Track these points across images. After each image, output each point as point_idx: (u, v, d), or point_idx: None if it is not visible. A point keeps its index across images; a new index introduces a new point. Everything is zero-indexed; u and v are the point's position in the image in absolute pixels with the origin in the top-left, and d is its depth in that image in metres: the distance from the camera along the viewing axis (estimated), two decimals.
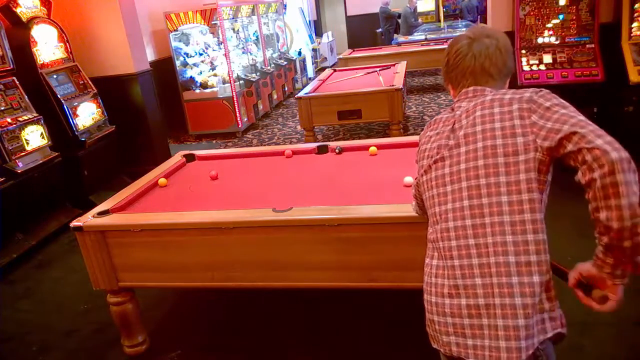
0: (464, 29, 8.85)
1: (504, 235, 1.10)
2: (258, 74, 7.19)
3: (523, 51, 3.78)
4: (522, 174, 1.11)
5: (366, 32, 12.29)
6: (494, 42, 1.23)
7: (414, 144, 2.69)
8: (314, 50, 10.54)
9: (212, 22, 6.44)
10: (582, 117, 1.04)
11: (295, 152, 2.86)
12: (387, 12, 10.57)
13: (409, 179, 2.15)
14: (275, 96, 7.88)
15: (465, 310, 1.13)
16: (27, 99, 3.90)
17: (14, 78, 3.86)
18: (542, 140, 1.07)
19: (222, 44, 6.47)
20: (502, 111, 1.14)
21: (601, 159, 0.95)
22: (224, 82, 6.44)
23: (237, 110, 6.33)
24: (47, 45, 4.21)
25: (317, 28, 12.80)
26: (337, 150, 2.77)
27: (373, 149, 2.70)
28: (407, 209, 1.80)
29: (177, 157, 3.01)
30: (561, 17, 3.71)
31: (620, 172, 0.93)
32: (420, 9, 11.63)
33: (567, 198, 3.51)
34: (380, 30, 10.99)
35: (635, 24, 3.48)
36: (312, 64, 10.26)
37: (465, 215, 1.14)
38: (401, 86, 4.61)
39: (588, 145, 0.97)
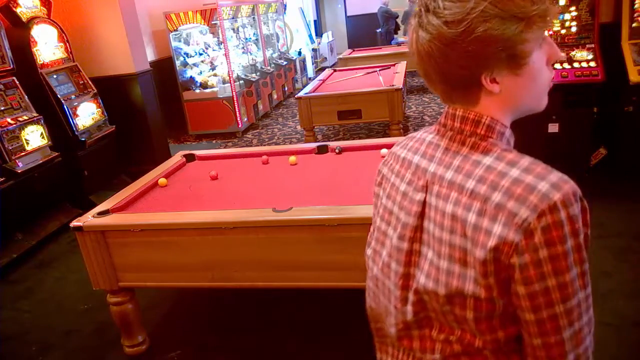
0: None
1: None
2: (258, 74, 7.19)
3: None
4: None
5: (366, 32, 12.30)
6: (437, 23, 0.70)
7: None
8: (314, 50, 10.55)
9: (212, 22, 6.44)
10: (574, 303, 0.73)
11: (295, 152, 2.86)
12: (387, 12, 10.58)
13: (385, 151, 2.41)
14: (275, 96, 7.88)
15: None
16: (27, 99, 3.90)
17: (14, 78, 3.86)
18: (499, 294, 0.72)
19: (222, 44, 6.47)
20: (462, 216, 0.73)
21: None
22: (224, 82, 6.44)
23: (237, 110, 6.33)
24: (47, 45, 4.21)
25: (317, 28, 12.80)
26: (337, 150, 2.77)
27: (292, 158, 2.72)
28: None
29: (177, 157, 3.01)
30: (561, 17, 3.71)
31: None
32: None
33: None
34: (380, 30, 10.99)
35: (635, 24, 3.48)
36: (312, 64, 10.26)
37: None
38: (401, 86, 4.61)
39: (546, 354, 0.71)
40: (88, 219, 2.17)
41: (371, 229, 0.96)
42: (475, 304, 0.73)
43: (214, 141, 6.42)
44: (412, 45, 0.77)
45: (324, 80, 5.61)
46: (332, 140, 4.81)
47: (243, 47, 7.37)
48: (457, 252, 0.74)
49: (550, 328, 0.70)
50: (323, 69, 9.70)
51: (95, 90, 4.52)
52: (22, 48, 4.00)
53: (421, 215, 0.80)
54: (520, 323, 0.73)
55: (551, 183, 0.68)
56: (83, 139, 4.31)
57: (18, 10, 4.04)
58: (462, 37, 0.69)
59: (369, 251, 0.95)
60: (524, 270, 0.68)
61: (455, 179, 0.75)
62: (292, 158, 2.72)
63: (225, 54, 6.40)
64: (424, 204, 0.80)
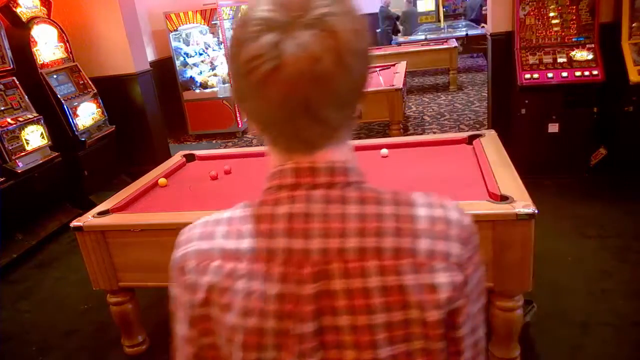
0: (464, 29, 8.94)
1: None
2: None
3: (523, 51, 3.77)
4: None
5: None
6: (332, 37, 0.53)
7: (414, 144, 2.70)
8: None
9: (212, 22, 6.44)
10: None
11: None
12: (386, 13, 10.58)
13: (385, 151, 2.46)
14: None
15: None
16: (27, 99, 3.90)
17: (14, 78, 3.86)
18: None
19: (222, 44, 6.46)
20: (397, 284, 0.59)
21: None
22: (224, 82, 6.44)
23: (237, 110, 6.33)
24: (47, 45, 4.20)
25: None
26: None
27: (162, 180, 2.59)
28: None
29: (177, 157, 3.01)
30: (561, 17, 3.70)
31: None
32: (420, 9, 11.64)
33: (567, 199, 3.52)
34: (379, 30, 11.00)
35: (635, 24, 3.48)
36: None
37: None
38: (401, 86, 4.61)
39: None
40: (88, 219, 2.17)
41: None
42: None
43: (214, 141, 6.42)
44: None
45: None
46: None
47: None
48: (395, 330, 0.59)
49: (479, 349, 0.68)
50: None
51: (95, 90, 4.52)
52: (22, 48, 4.00)
53: (319, 314, 0.59)
54: None
55: (455, 209, 0.64)
56: (83, 139, 4.31)
57: (18, 10, 4.04)
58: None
59: None
60: (464, 308, 0.62)
61: (366, 245, 0.59)
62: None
63: (225, 54, 6.40)
64: (319, 296, 0.59)
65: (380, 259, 0.59)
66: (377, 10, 10.91)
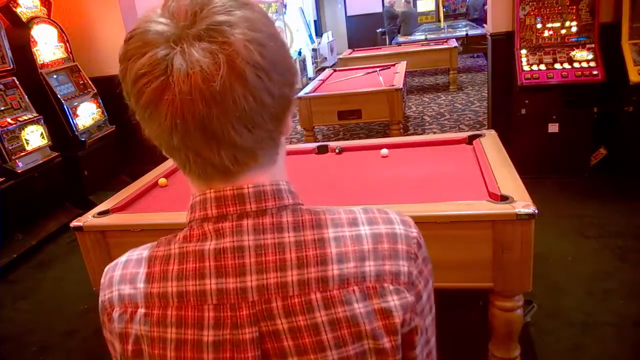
0: (464, 29, 8.94)
1: None
2: None
3: (523, 51, 3.78)
4: None
5: (366, 32, 12.29)
6: (225, 50, 0.47)
7: (414, 144, 2.70)
8: (314, 50, 10.54)
9: None
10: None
11: (295, 152, 2.86)
12: (391, 13, 10.59)
13: (385, 151, 2.50)
14: None
15: None
16: (27, 99, 3.90)
17: (14, 78, 3.86)
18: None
19: None
20: (346, 316, 0.54)
21: None
22: None
23: None
24: (47, 45, 4.20)
25: (317, 28, 12.80)
26: (337, 150, 2.77)
27: (162, 180, 2.57)
28: (407, 209, 1.80)
29: None
30: (561, 17, 3.70)
31: None
32: (420, 9, 11.64)
33: (567, 199, 3.52)
34: (383, 29, 11.01)
35: (636, 24, 3.48)
36: (312, 64, 10.26)
37: None
38: (401, 86, 4.61)
39: None
40: (88, 219, 2.17)
41: None
42: None
43: None
44: None
45: (324, 80, 5.61)
46: (332, 140, 4.80)
47: None
48: None
49: (432, 357, 0.65)
50: (323, 69, 9.70)
51: (95, 90, 4.52)
52: (22, 48, 4.00)
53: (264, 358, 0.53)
54: None
55: (399, 221, 0.60)
56: (83, 139, 4.31)
57: (18, 10, 4.04)
58: None
59: None
60: (418, 325, 0.59)
61: (308, 276, 0.53)
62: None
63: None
64: (261, 340, 0.53)
65: (325, 289, 0.53)
66: (375, 11, 10.94)
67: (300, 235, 0.55)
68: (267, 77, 0.49)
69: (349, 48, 9.99)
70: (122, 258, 0.62)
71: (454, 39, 8.02)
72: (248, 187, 0.55)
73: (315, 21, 12.75)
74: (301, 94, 4.92)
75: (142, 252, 0.60)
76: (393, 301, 0.55)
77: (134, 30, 0.50)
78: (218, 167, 0.53)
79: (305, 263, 0.53)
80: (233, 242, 0.54)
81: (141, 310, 0.56)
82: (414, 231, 0.60)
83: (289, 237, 0.54)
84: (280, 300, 0.53)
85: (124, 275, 0.59)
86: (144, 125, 0.54)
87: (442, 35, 8.59)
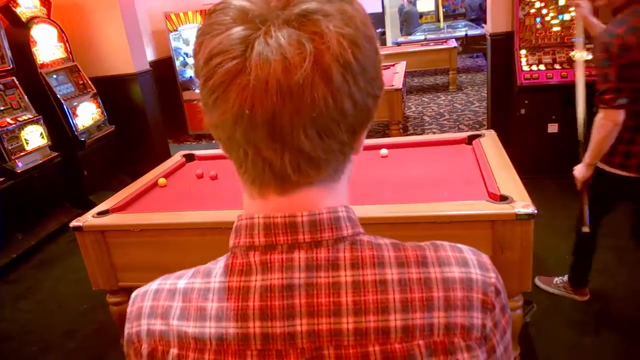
0: (464, 29, 8.94)
1: None
2: None
3: (523, 51, 3.78)
4: None
5: None
6: (316, 41, 0.42)
7: (414, 144, 2.70)
8: None
9: None
10: None
11: None
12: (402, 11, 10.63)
13: (384, 151, 2.51)
14: None
15: None
16: (26, 99, 3.90)
17: (14, 78, 3.86)
18: None
19: None
20: None
21: None
22: None
23: None
24: (46, 45, 4.20)
25: None
26: None
27: (162, 180, 2.56)
28: (407, 210, 1.80)
29: (176, 157, 3.01)
30: (561, 17, 3.70)
31: None
32: (420, 9, 11.63)
33: (567, 199, 3.52)
34: (383, 29, 11.05)
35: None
36: None
37: None
38: (401, 86, 4.61)
39: None
40: (88, 219, 2.17)
41: None
42: None
43: (213, 141, 6.39)
44: None
45: None
46: None
47: None
48: None
49: None
50: None
51: (95, 90, 4.52)
52: (22, 48, 4.00)
53: None
54: None
55: (475, 263, 0.52)
56: (83, 139, 4.30)
57: (18, 10, 4.03)
58: None
59: None
60: None
61: (366, 325, 0.46)
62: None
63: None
64: None
65: (384, 342, 0.46)
66: (375, 11, 10.94)
67: (359, 275, 0.48)
68: (353, 81, 0.44)
69: None
70: (153, 285, 0.55)
71: (454, 39, 8.02)
72: (302, 215, 0.48)
73: None
74: None
75: (176, 281, 0.54)
76: (463, 359, 0.48)
77: (218, 4, 0.45)
78: (277, 172, 0.47)
79: (363, 309, 0.47)
80: (282, 279, 0.47)
81: (174, 351, 0.50)
82: (492, 276, 0.52)
83: (345, 276, 0.47)
84: (332, 349, 0.46)
85: (155, 308, 0.53)
86: (206, 111, 0.47)
87: (442, 36, 8.59)
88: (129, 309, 0.56)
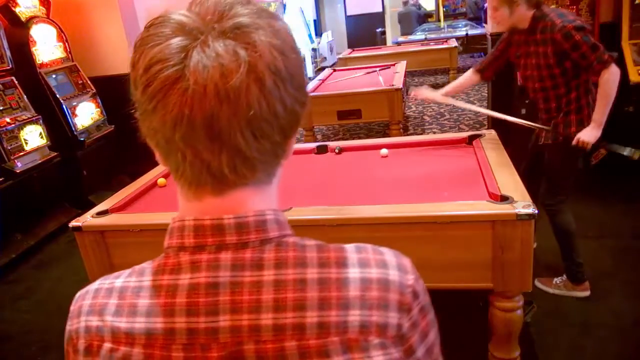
0: (464, 29, 8.94)
1: None
2: None
3: None
4: None
5: (366, 32, 12.29)
6: (248, 50, 0.46)
7: (414, 144, 2.70)
8: (314, 50, 10.54)
9: None
10: None
11: (294, 152, 2.86)
12: (418, 13, 10.63)
13: (384, 151, 2.52)
14: None
15: None
16: (26, 99, 3.89)
17: (13, 78, 3.86)
18: None
19: None
20: None
21: None
22: None
23: None
24: (46, 45, 4.20)
25: (317, 28, 12.80)
26: (336, 150, 2.77)
27: (161, 180, 2.58)
28: (407, 210, 1.80)
29: None
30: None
31: None
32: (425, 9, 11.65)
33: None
34: (383, 29, 11.06)
35: (636, 24, 3.47)
36: (312, 63, 10.25)
37: None
38: (401, 86, 4.61)
39: None
40: (87, 219, 2.16)
41: None
42: None
43: None
44: None
45: (323, 80, 5.61)
46: (331, 140, 4.80)
47: None
48: None
49: None
50: (323, 68, 9.69)
51: (94, 90, 4.51)
52: (21, 47, 3.99)
53: None
54: None
55: (395, 264, 0.54)
56: (82, 139, 4.30)
57: (17, 9, 4.03)
58: None
59: None
60: None
61: (284, 321, 0.49)
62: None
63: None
64: None
65: (301, 338, 0.48)
66: (375, 10, 10.96)
67: (281, 274, 0.50)
68: (283, 87, 0.48)
69: (348, 48, 10.00)
70: (94, 285, 0.59)
71: (454, 39, 8.02)
72: (229, 218, 0.51)
73: (314, 21, 12.73)
74: None
75: (114, 280, 0.57)
76: (377, 356, 0.49)
77: (156, 18, 0.49)
78: (214, 173, 0.50)
79: (282, 306, 0.49)
80: (208, 277, 0.50)
81: (107, 345, 0.53)
82: (411, 278, 0.54)
83: (268, 275, 0.50)
84: (252, 344, 0.49)
85: (93, 306, 0.56)
86: (145, 118, 0.49)
87: (442, 35, 8.60)
88: (71, 308, 0.60)
